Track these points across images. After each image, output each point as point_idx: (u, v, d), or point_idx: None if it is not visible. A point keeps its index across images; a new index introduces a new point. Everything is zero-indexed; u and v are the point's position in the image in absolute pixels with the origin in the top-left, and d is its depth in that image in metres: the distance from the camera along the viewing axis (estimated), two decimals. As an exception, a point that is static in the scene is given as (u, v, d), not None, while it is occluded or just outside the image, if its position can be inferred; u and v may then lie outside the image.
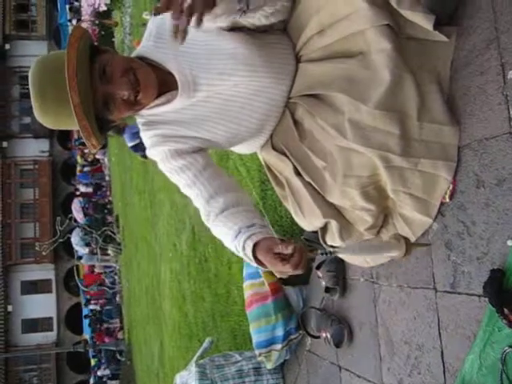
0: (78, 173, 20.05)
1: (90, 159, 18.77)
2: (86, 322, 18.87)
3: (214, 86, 1.43)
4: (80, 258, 16.38)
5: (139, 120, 1.53)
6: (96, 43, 1.44)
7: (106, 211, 16.42)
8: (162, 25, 1.49)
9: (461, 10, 1.33)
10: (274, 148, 1.56)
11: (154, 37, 1.49)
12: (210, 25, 1.33)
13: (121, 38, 11.85)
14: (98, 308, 17.52)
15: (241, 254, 1.39)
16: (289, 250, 1.24)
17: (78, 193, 17.57)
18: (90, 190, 17.33)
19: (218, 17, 1.29)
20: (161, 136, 1.49)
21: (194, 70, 1.43)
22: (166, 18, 1.48)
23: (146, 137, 1.51)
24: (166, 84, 1.44)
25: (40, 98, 1.33)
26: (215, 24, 1.36)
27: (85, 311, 19.43)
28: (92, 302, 17.77)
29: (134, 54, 1.50)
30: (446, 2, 1.32)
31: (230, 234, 1.40)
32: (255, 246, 1.33)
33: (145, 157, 9.02)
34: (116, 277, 16.16)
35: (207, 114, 1.47)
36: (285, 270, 1.26)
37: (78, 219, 16.56)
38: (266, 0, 1.36)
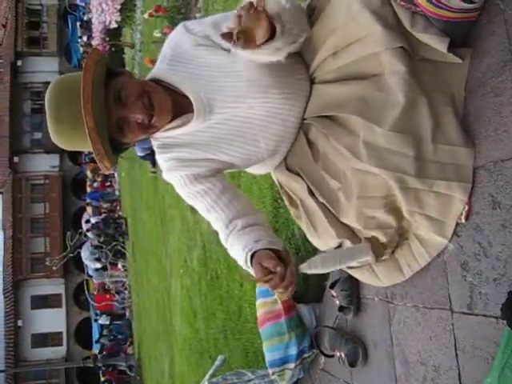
0: (88, 188, 20.05)
1: (100, 179, 18.76)
2: (95, 337, 18.78)
3: (230, 109, 1.44)
4: (90, 276, 16.34)
5: (154, 143, 1.53)
6: (110, 64, 1.45)
7: (116, 226, 16.38)
8: (177, 47, 1.50)
9: (474, 32, 1.33)
10: (288, 169, 1.56)
11: (168, 59, 1.50)
12: (267, 58, 1.37)
13: (131, 54, 11.95)
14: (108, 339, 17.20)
15: (246, 267, 1.41)
16: (276, 269, 1.25)
17: (88, 224, 16.91)
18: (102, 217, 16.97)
19: (277, 51, 1.32)
20: (177, 160, 1.50)
21: (209, 92, 1.44)
22: (182, 42, 1.50)
23: (162, 160, 1.52)
24: (180, 107, 1.45)
25: (55, 120, 1.35)
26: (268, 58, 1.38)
27: (94, 327, 19.34)
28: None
29: (148, 76, 1.51)
30: (459, 25, 1.33)
31: (240, 249, 1.42)
32: (254, 254, 1.35)
33: (154, 168, 9.09)
34: (126, 291, 16.15)
35: (223, 136, 1.48)
36: (265, 285, 1.27)
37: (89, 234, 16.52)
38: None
